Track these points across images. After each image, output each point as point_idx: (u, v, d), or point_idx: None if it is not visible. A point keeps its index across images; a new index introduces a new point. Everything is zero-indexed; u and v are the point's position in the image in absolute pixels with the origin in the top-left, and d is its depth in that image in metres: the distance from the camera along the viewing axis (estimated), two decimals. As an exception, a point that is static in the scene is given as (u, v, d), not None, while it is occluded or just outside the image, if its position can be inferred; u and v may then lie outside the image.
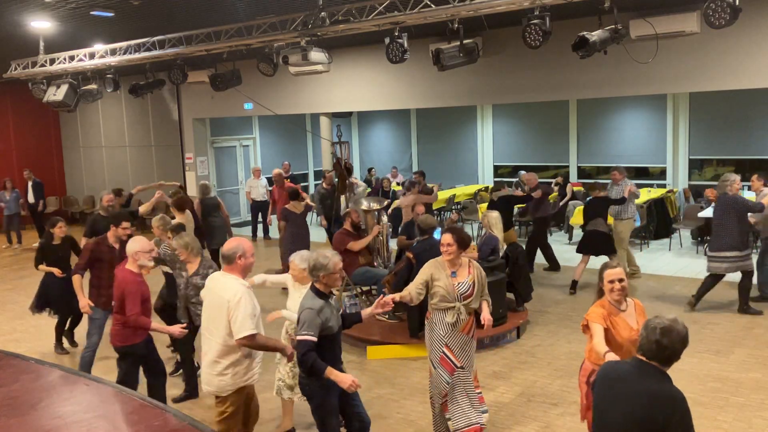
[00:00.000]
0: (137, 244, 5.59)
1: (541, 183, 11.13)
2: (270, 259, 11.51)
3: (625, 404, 2.99)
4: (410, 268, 7.25)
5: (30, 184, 15.13)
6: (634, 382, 3.00)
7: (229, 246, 4.58)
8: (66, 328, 8.18)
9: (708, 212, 11.39)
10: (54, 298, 7.85)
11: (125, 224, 6.82)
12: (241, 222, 16.74)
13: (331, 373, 4.26)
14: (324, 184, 12.44)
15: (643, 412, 2.91)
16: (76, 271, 6.74)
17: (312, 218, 16.44)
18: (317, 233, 14.79)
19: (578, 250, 9.51)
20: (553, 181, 15.21)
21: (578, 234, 11.02)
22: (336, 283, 4.44)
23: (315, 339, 4.22)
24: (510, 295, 8.26)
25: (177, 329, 5.58)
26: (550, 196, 11.43)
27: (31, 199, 15.15)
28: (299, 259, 5.34)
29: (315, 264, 4.35)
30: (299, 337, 4.24)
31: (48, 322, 9.22)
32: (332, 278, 4.38)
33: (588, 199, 10.19)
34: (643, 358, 3.03)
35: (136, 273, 5.51)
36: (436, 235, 7.44)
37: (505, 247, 8.65)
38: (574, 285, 9.56)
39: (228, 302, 4.41)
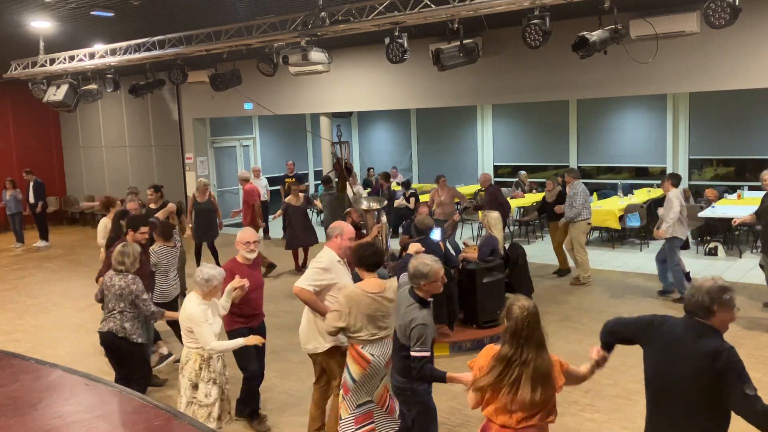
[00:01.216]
0: (240, 234, 5.68)
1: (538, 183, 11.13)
2: (270, 258, 11.51)
3: (686, 363, 3.24)
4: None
5: (31, 184, 15.12)
6: (691, 341, 3.25)
7: (332, 225, 5.24)
8: None
9: (708, 212, 11.39)
10: None
11: (143, 229, 6.83)
12: (241, 222, 16.74)
13: (453, 377, 4.08)
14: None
15: (702, 366, 3.18)
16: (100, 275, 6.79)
17: (314, 218, 16.45)
18: (319, 233, 14.79)
19: None
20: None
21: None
22: (437, 290, 4.27)
23: (429, 354, 4.15)
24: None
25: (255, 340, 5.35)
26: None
27: (31, 199, 15.13)
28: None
29: (415, 272, 4.22)
30: (415, 354, 4.09)
31: (47, 321, 9.23)
32: (434, 286, 4.22)
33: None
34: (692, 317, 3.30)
35: (240, 263, 5.60)
36: (433, 235, 7.44)
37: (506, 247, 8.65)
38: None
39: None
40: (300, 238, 11.16)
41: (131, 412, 4.17)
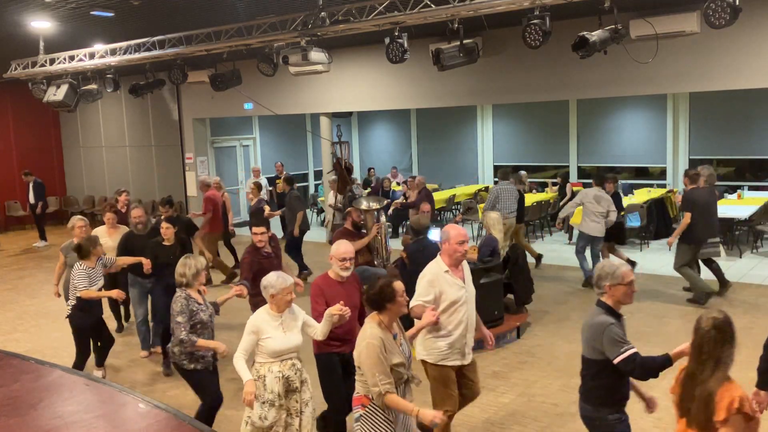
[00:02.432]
0: (335, 248, 5.04)
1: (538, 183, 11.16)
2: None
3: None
4: (403, 268, 7.24)
5: (30, 185, 15.11)
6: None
7: (442, 230, 4.85)
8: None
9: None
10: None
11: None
12: (241, 222, 16.73)
13: (676, 353, 3.57)
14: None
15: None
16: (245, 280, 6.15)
17: (314, 218, 16.45)
18: (318, 233, 14.79)
19: None
20: (550, 181, 15.26)
21: (577, 234, 10.98)
22: (627, 300, 3.76)
23: (633, 347, 3.65)
24: (511, 296, 8.27)
25: None
26: (549, 196, 11.45)
27: (31, 199, 15.13)
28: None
29: (600, 273, 3.79)
30: (621, 357, 3.61)
31: (47, 321, 9.23)
32: (620, 290, 3.73)
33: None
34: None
35: (332, 279, 4.98)
36: (431, 235, 7.43)
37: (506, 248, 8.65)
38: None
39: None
40: None
41: (131, 412, 4.17)
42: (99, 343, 6.85)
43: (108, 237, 7.97)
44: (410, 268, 7.24)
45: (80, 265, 6.48)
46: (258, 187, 11.55)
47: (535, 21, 6.81)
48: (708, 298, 8.68)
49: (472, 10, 6.96)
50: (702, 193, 8.65)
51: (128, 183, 17.11)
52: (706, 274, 9.01)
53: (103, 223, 8.36)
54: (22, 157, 17.57)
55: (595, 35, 7.10)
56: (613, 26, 7.30)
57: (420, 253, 7.28)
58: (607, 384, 3.75)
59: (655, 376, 3.62)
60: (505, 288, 8.11)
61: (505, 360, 7.23)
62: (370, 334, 3.81)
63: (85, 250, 6.51)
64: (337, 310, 4.56)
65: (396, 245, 9.61)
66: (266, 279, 4.53)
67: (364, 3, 7.53)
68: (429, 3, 7.14)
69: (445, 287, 4.68)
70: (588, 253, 9.73)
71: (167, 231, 7.16)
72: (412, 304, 4.61)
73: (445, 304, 4.68)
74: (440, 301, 4.67)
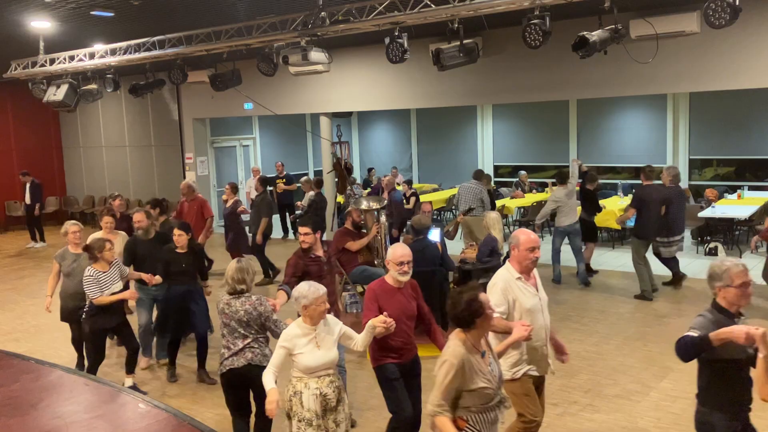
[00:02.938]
0: (392, 251, 4.77)
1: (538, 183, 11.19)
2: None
3: None
4: None
5: (27, 186, 15.07)
6: None
7: (512, 235, 4.59)
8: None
9: (708, 212, 11.40)
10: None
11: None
12: (241, 222, 16.74)
13: (718, 334, 3.34)
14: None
15: None
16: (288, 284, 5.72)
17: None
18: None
19: None
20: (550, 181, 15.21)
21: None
22: (741, 301, 3.71)
23: (693, 333, 3.47)
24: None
25: None
26: (548, 196, 11.45)
27: (28, 200, 15.10)
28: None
29: (710, 273, 3.68)
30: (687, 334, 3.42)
31: (47, 321, 9.22)
32: (730, 293, 3.64)
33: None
34: None
35: (390, 285, 4.73)
36: (431, 235, 7.43)
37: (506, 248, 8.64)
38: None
39: None
40: (232, 244, 10.86)
41: (131, 412, 4.17)
42: (126, 348, 6.62)
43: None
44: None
45: (90, 269, 6.20)
46: (233, 188, 11.12)
47: (535, 21, 6.80)
48: (651, 295, 9.03)
49: (472, 10, 6.96)
50: (652, 191, 8.96)
51: (128, 183, 17.12)
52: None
53: (100, 228, 7.80)
54: (22, 157, 17.57)
55: (595, 35, 7.10)
56: (613, 26, 7.30)
57: (420, 254, 7.28)
58: (710, 384, 3.59)
59: (691, 357, 3.46)
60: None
61: (505, 360, 7.21)
62: (451, 352, 3.51)
63: (92, 252, 6.26)
64: (380, 321, 4.30)
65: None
66: (297, 289, 4.25)
67: (364, 3, 7.53)
68: (429, 3, 7.14)
69: (518, 295, 4.43)
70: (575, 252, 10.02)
71: (180, 238, 6.83)
72: None
73: (520, 313, 4.43)
74: (514, 311, 4.42)
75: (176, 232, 6.88)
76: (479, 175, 11.01)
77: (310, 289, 4.19)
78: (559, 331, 8.08)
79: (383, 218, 8.71)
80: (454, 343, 3.56)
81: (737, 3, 6.23)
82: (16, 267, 13.11)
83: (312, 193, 12.27)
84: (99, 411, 4.15)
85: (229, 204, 10.96)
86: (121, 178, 17.41)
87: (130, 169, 17.48)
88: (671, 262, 9.33)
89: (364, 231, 8.44)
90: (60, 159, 18.95)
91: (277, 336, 4.61)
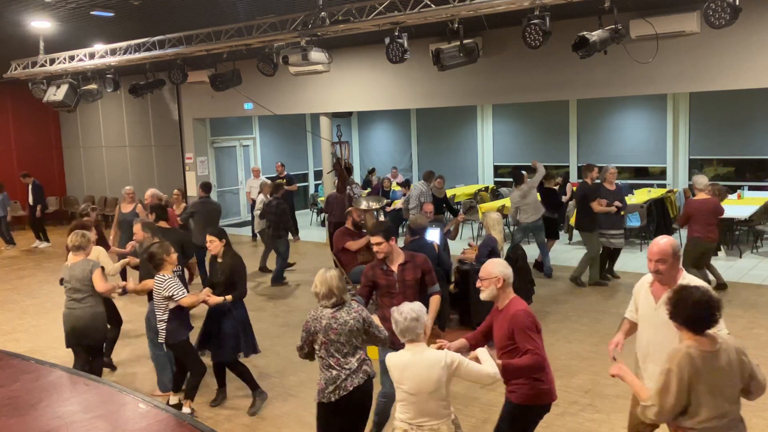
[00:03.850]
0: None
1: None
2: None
3: None
4: None
5: (29, 187, 15.13)
6: None
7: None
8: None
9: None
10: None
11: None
12: (241, 222, 16.75)
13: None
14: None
15: None
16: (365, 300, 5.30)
17: (314, 217, 16.45)
18: (319, 233, 14.79)
19: None
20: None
21: (578, 234, 11.02)
22: None
23: None
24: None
25: None
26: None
27: (31, 201, 15.15)
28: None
29: None
30: None
31: (48, 321, 9.23)
32: None
33: None
34: None
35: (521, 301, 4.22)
36: (428, 235, 7.41)
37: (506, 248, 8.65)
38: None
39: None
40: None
41: (131, 412, 4.17)
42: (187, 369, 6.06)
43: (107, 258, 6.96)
44: None
45: (163, 275, 5.73)
46: (204, 188, 10.64)
47: (535, 21, 6.80)
48: (581, 283, 9.83)
49: (472, 10, 6.96)
50: (590, 188, 9.72)
51: (128, 183, 17.10)
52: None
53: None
54: (22, 157, 17.57)
55: (595, 35, 7.11)
56: (613, 26, 7.31)
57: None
58: None
59: None
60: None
61: (505, 360, 7.21)
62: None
63: (158, 259, 5.76)
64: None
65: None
66: (399, 312, 3.82)
67: (364, 3, 7.53)
68: (429, 3, 7.14)
69: (640, 301, 4.16)
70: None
71: (215, 246, 6.10)
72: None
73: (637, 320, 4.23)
74: (637, 314, 4.21)
75: (209, 238, 6.14)
76: (426, 176, 11.47)
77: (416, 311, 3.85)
78: (560, 331, 8.12)
79: (382, 218, 8.71)
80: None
81: (737, 3, 6.23)
82: (16, 267, 13.11)
83: (268, 197, 11.20)
84: (99, 411, 4.15)
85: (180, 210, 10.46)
86: (121, 178, 17.40)
87: (130, 169, 17.48)
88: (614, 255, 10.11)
89: (364, 231, 8.44)
90: (60, 159, 18.94)
91: (380, 342, 4.44)
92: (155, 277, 5.77)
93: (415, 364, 3.72)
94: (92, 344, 6.22)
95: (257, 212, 11.62)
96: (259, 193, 12.21)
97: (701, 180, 8.81)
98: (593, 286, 9.75)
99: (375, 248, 5.21)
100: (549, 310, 8.80)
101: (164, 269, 5.76)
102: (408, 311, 3.78)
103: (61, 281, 6.35)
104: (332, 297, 4.32)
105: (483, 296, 4.22)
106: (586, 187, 9.75)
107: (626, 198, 12.99)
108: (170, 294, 5.66)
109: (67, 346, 6.26)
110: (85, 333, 6.09)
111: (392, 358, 3.82)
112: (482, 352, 3.90)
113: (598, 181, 9.90)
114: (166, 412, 4.06)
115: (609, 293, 9.46)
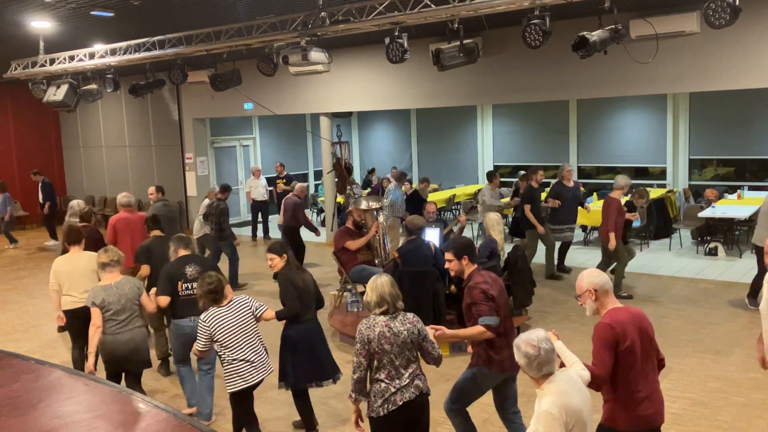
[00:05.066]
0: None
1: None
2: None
3: None
4: (396, 268, 7.21)
5: (40, 185, 15.17)
6: None
7: None
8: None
9: (708, 212, 11.40)
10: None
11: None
12: (241, 222, 16.74)
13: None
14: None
15: None
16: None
17: (315, 217, 16.44)
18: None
19: None
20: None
21: (579, 234, 11.03)
22: None
23: None
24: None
25: None
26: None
27: (41, 199, 15.22)
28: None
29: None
30: None
31: (47, 321, 9.22)
32: None
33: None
34: None
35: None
36: (425, 235, 7.40)
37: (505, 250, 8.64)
38: None
39: None
40: None
41: (131, 412, 4.17)
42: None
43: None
44: (402, 269, 7.23)
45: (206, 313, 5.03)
46: (159, 189, 10.10)
47: (535, 21, 6.80)
48: (558, 276, 10.46)
49: (472, 10, 6.96)
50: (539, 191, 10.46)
51: (128, 183, 17.11)
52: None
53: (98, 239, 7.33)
54: (22, 157, 17.56)
55: (595, 35, 7.10)
56: (613, 26, 7.30)
57: (412, 254, 7.26)
58: None
59: None
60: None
61: (505, 360, 7.21)
62: None
63: (219, 293, 5.02)
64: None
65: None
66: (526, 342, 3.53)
67: (364, 3, 7.53)
68: (429, 3, 7.14)
69: None
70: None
71: (275, 263, 5.47)
72: None
73: None
74: None
75: (269, 256, 5.51)
76: (397, 176, 11.83)
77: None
78: (560, 331, 8.07)
79: (381, 218, 8.72)
80: None
81: (737, 3, 6.23)
82: (16, 267, 13.11)
83: (211, 200, 10.54)
84: (99, 411, 4.15)
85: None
86: (121, 178, 17.41)
87: (130, 169, 17.48)
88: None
89: (365, 230, 8.45)
90: (60, 159, 18.94)
91: (431, 359, 4.16)
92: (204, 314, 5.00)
93: (580, 390, 3.54)
94: (148, 361, 5.70)
95: (200, 216, 10.76)
96: (205, 197, 11.40)
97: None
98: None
99: (446, 265, 4.83)
100: (549, 310, 8.80)
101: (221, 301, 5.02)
102: (538, 339, 3.45)
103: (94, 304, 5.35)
104: (384, 305, 4.08)
105: (587, 313, 4.06)
106: (532, 190, 10.45)
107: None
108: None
109: (118, 373, 5.56)
110: (143, 355, 5.55)
111: (567, 408, 3.39)
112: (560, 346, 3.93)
113: (556, 179, 10.60)
114: (166, 412, 4.06)
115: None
